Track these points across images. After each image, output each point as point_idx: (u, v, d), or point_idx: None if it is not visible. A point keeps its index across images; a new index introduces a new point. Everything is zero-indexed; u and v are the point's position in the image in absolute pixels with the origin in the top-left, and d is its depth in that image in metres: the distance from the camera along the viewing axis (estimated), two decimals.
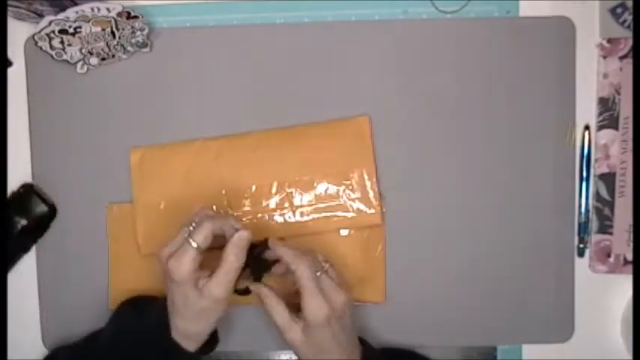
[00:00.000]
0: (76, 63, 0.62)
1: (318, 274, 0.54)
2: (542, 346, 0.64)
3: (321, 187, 0.62)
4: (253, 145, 0.63)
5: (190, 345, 0.54)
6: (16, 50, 0.63)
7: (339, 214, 0.62)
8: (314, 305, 0.52)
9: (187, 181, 0.63)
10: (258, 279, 0.56)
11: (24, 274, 0.64)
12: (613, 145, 0.63)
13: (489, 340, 0.64)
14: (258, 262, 0.56)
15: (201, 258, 0.52)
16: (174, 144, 0.63)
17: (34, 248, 0.64)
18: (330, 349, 0.53)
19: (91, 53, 0.61)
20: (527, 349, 0.64)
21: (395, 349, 0.63)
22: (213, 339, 0.57)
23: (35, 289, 0.64)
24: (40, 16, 0.59)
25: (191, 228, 0.53)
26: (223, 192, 0.62)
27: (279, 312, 0.54)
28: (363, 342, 0.58)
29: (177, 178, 0.63)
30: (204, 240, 0.51)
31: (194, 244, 0.51)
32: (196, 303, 0.52)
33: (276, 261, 0.57)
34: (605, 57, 0.63)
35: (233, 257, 0.51)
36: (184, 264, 0.51)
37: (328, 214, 0.62)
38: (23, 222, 0.61)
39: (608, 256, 0.64)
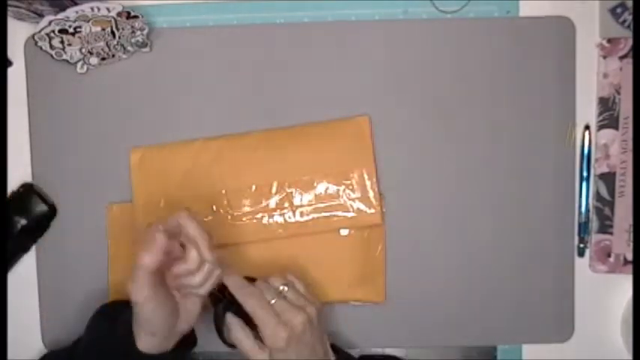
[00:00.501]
0: (76, 63, 0.62)
1: (273, 301, 0.53)
2: (542, 346, 0.64)
3: (321, 187, 0.62)
4: (253, 145, 0.63)
5: (158, 343, 0.53)
6: (16, 50, 0.63)
7: (339, 213, 0.62)
8: (269, 333, 0.52)
9: (187, 181, 0.63)
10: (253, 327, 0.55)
11: (24, 274, 0.64)
12: (613, 145, 0.63)
13: (489, 340, 0.64)
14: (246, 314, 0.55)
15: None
16: (174, 144, 0.63)
17: (34, 248, 0.64)
18: None
19: (91, 53, 0.61)
20: (527, 349, 0.64)
21: (371, 355, 0.63)
22: (190, 339, 0.57)
23: (35, 289, 0.64)
24: (40, 15, 0.59)
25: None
26: (223, 192, 0.62)
27: (245, 341, 0.54)
28: (337, 350, 0.58)
29: (177, 178, 0.63)
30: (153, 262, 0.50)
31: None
32: (163, 318, 0.52)
33: None
34: (605, 57, 0.63)
35: (141, 257, 0.49)
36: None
37: (328, 214, 0.62)
38: (23, 222, 0.61)
39: (609, 255, 0.64)
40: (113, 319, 0.56)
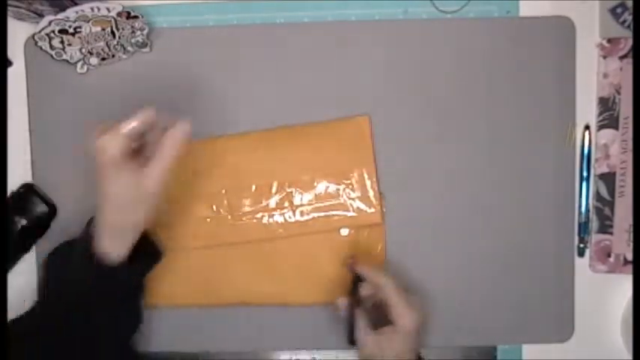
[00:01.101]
0: (76, 63, 0.62)
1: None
2: (542, 346, 0.64)
3: (321, 187, 0.62)
4: (253, 145, 0.63)
5: (117, 247, 0.52)
6: (16, 50, 0.63)
7: (339, 213, 0.62)
8: (403, 312, 0.55)
9: (187, 180, 0.63)
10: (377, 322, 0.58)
11: (24, 274, 0.64)
12: (613, 145, 0.63)
13: (489, 340, 0.64)
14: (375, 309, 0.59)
15: (130, 145, 0.51)
16: None
17: (34, 248, 0.64)
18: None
19: (90, 53, 0.61)
20: (527, 349, 0.64)
21: None
22: (152, 254, 0.57)
23: (35, 290, 0.64)
24: (40, 15, 0.59)
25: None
26: (223, 192, 0.62)
27: (363, 327, 0.57)
28: None
29: (177, 177, 0.62)
30: (132, 128, 0.50)
31: (124, 130, 0.50)
32: (127, 190, 0.51)
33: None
34: (605, 57, 0.63)
35: (169, 146, 0.51)
36: (115, 141, 0.50)
37: (328, 213, 0.62)
38: (23, 222, 0.61)
39: (609, 255, 0.64)
40: (63, 256, 0.56)
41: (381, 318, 0.57)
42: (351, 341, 0.57)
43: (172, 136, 0.51)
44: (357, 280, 0.59)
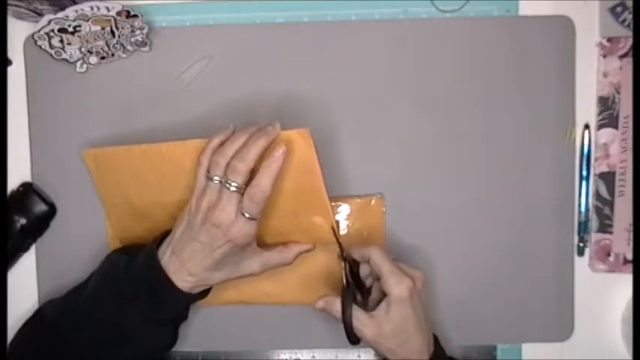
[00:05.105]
0: (75, 62, 0.62)
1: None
2: (541, 345, 0.64)
3: None
4: None
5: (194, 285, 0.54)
6: (15, 49, 0.63)
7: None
8: (396, 281, 0.53)
9: (177, 179, 0.58)
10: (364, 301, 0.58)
11: (24, 274, 0.64)
12: (613, 144, 0.63)
13: (489, 340, 0.64)
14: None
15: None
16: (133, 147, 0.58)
17: (33, 248, 0.64)
18: (411, 330, 0.54)
19: (90, 52, 0.61)
20: (527, 349, 0.64)
21: None
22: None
23: (35, 289, 0.64)
24: (40, 15, 0.59)
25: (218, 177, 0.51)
26: None
27: (355, 310, 0.55)
28: (436, 340, 0.58)
29: (169, 176, 0.58)
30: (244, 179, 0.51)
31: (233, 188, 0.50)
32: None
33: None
34: (605, 56, 0.63)
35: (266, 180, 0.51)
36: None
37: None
38: (23, 221, 0.61)
39: (608, 255, 0.64)
40: (129, 255, 0.56)
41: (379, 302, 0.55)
42: (353, 340, 0.55)
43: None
44: (354, 269, 0.59)
